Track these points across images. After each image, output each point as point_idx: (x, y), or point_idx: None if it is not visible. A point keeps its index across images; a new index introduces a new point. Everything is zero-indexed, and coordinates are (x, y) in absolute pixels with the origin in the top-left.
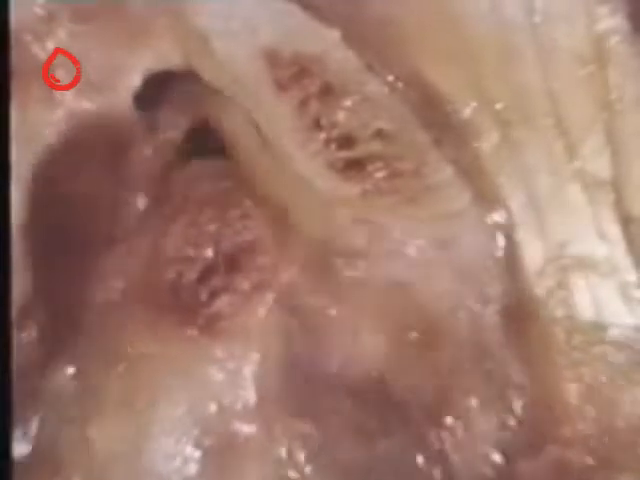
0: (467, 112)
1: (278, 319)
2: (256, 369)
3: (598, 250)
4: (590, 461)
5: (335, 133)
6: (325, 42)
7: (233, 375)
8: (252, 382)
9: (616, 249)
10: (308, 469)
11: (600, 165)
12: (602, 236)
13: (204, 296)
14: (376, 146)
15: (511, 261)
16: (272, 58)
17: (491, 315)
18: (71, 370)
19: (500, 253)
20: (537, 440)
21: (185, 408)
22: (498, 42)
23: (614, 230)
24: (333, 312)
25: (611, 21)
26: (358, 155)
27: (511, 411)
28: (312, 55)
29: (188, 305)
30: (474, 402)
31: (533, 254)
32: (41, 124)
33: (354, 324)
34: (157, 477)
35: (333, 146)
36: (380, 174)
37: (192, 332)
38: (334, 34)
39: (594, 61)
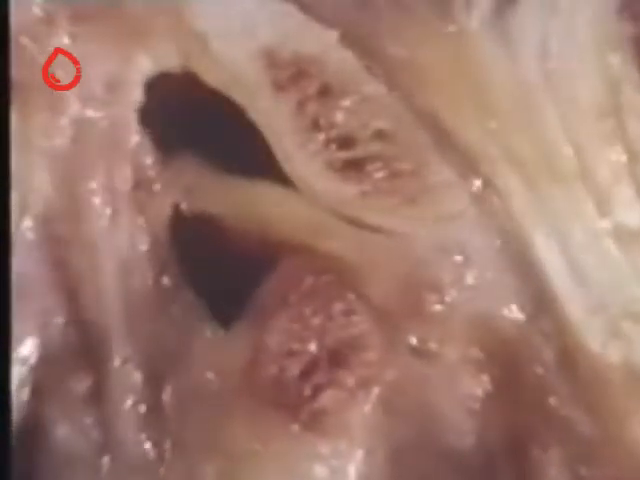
0: (491, 165)
1: (383, 415)
2: (360, 467)
3: None
4: None
5: (334, 133)
6: (324, 43)
7: (337, 472)
8: (356, 479)
9: None
10: None
11: (633, 216)
12: None
13: (308, 391)
14: (375, 146)
15: (552, 307)
16: (271, 59)
17: (549, 353)
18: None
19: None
20: None
21: None
22: (518, 100)
23: None
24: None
25: (623, 70)
26: (357, 155)
27: (583, 462)
28: (311, 56)
29: (291, 400)
30: (551, 453)
31: (576, 302)
32: (42, 129)
33: (452, 371)
34: None
35: (332, 147)
36: (379, 174)
37: (295, 428)
38: (332, 35)
39: (613, 112)
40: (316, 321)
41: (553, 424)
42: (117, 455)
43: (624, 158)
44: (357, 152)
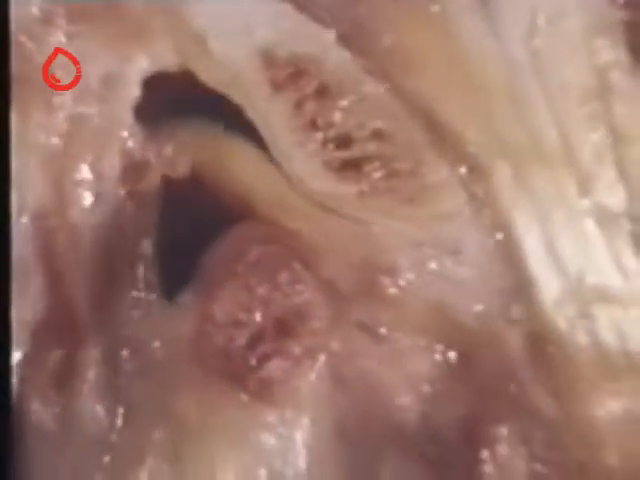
0: (476, 146)
1: (329, 384)
2: (307, 434)
3: (617, 282)
4: None
5: (332, 133)
6: (322, 42)
7: (284, 440)
8: (303, 447)
9: (636, 281)
10: None
11: (614, 197)
12: (620, 269)
13: (254, 361)
14: (373, 146)
15: (527, 291)
16: (268, 58)
17: (516, 336)
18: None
19: (515, 279)
20: (570, 470)
21: (235, 473)
22: (504, 79)
23: (632, 263)
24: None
25: (612, 53)
26: (355, 155)
27: (542, 441)
28: (308, 55)
29: (238, 370)
30: (505, 430)
31: (551, 285)
32: (40, 126)
33: (400, 351)
34: None
35: (330, 146)
36: (377, 174)
37: (243, 397)
38: (330, 34)
39: (599, 95)
40: (262, 291)
41: (514, 407)
42: (76, 426)
43: (608, 140)
44: (355, 152)
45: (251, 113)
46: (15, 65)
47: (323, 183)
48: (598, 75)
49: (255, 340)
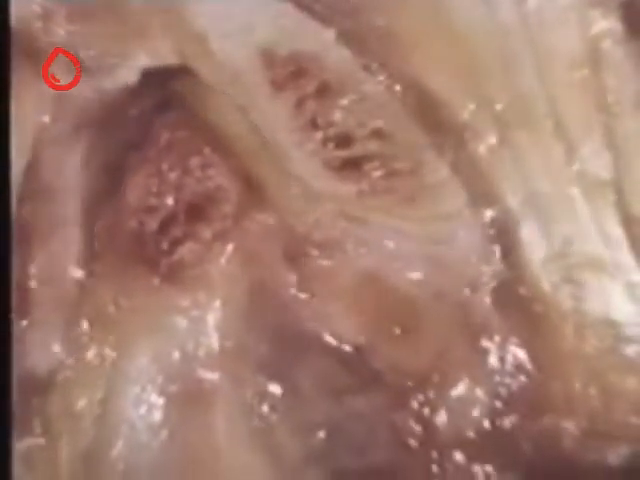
0: (466, 115)
1: (240, 268)
2: (219, 317)
3: (601, 250)
4: (585, 430)
5: (332, 132)
6: (322, 42)
7: (196, 323)
8: (214, 330)
9: (619, 250)
10: (274, 418)
11: (600, 167)
12: (605, 237)
13: (166, 245)
14: (373, 145)
15: (513, 256)
16: (269, 58)
17: (481, 299)
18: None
19: (497, 249)
20: (532, 411)
21: (149, 356)
22: (495, 47)
23: (617, 231)
24: (304, 296)
25: (604, 24)
26: (355, 154)
27: (505, 385)
28: (309, 54)
29: (150, 254)
30: (463, 375)
31: (536, 252)
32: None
33: (325, 308)
34: (122, 424)
35: (330, 145)
36: (377, 174)
37: (155, 281)
38: (330, 34)
39: (589, 64)
40: (173, 176)
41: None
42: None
43: (596, 108)
44: (355, 151)
45: (251, 112)
46: (16, 63)
47: (323, 182)
48: (590, 44)
49: (167, 224)
